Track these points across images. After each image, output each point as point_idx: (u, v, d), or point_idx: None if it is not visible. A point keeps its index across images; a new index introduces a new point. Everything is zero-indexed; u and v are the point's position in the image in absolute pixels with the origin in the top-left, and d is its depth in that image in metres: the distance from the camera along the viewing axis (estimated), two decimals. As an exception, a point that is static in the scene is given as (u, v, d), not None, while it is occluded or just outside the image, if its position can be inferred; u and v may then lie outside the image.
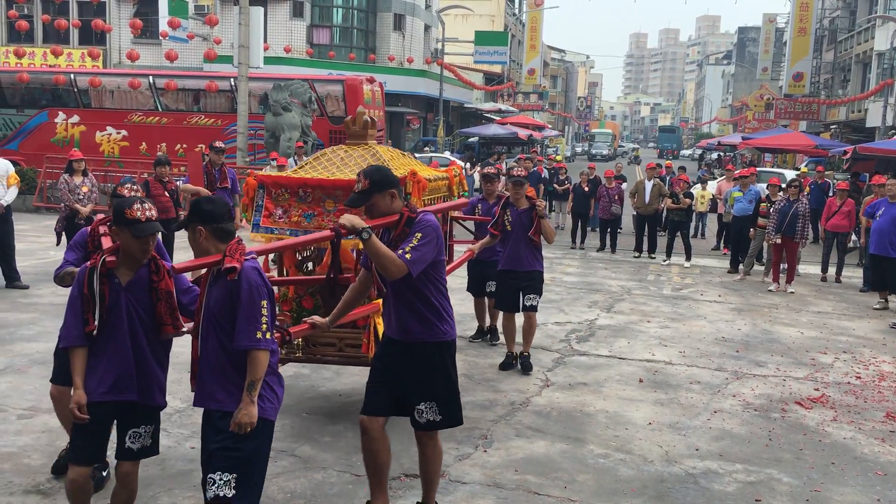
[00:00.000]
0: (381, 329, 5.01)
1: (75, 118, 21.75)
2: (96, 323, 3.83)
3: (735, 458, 5.75)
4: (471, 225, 8.33)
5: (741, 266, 14.04)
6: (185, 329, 4.02)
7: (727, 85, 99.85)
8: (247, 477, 3.70)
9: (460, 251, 7.71)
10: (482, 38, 46.02)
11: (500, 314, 8.04)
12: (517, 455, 5.63)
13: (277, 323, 4.19)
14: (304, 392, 6.73)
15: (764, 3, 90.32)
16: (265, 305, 3.67)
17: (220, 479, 3.65)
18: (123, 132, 21.56)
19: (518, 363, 7.69)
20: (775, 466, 5.63)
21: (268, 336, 3.67)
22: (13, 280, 10.27)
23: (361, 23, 37.50)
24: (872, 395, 7.38)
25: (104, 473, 4.81)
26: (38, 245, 13.61)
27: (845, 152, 22.48)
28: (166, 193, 11.25)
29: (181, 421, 5.97)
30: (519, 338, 7.84)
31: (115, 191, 4.73)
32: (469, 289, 8.70)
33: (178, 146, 20.52)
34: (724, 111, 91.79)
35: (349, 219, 4.04)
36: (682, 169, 20.66)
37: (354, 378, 7.08)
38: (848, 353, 8.98)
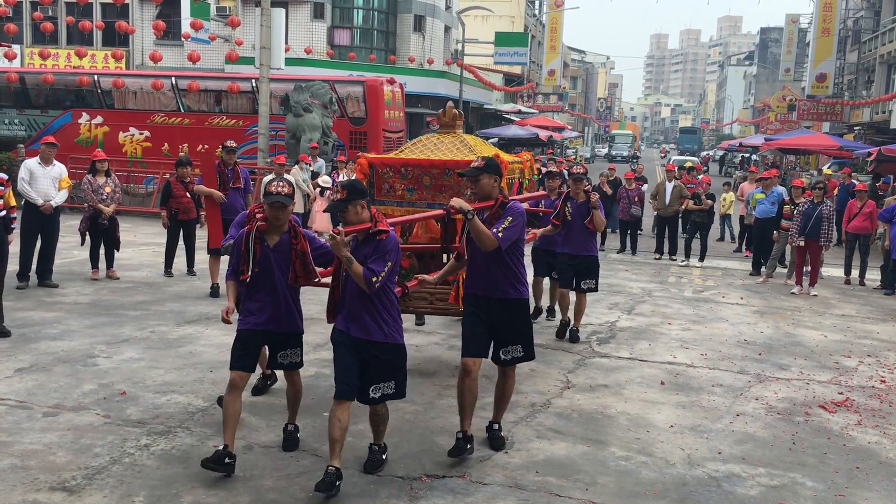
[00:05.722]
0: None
1: (99, 119, 21.94)
2: (249, 273, 5.18)
3: (758, 461, 5.71)
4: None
5: (763, 268, 13.93)
6: (317, 280, 5.32)
7: (749, 86, 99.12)
8: (401, 382, 5.13)
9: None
10: (502, 39, 45.94)
11: (558, 293, 9.25)
12: (538, 457, 5.62)
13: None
14: (325, 392, 6.74)
15: (787, 3, 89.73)
16: (391, 264, 4.86)
17: (385, 385, 5.03)
18: (146, 133, 21.72)
19: (568, 335, 8.89)
20: (799, 471, 5.58)
21: (376, 284, 4.78)
22: (44, 278, 10.41)
23: (382, 24, 37.57)
24: (897, 400, 7.30)
25: (269, 383, 6.55)
26: (62, 244, 13.70)
27: (869, 154, 22.27)
28: (188, 194, 11.34)
29: (203, 420, 6.01)
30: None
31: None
32: (534, 272, 9.62)
33: (200, 147, 20.61)
34: (746, 112, 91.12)
35: (458, 202, 5.20)
36: (706, 170, 20.56)
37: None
38: (872, 356, 8.88)
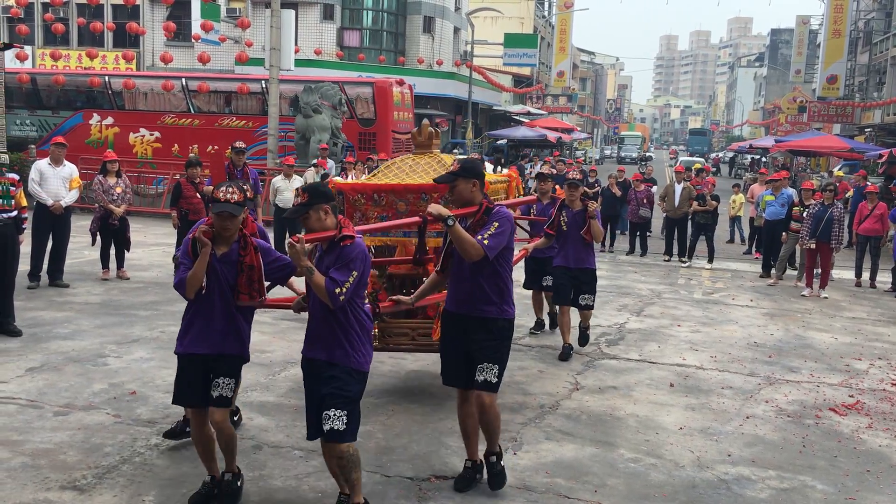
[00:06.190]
0: None
1: (109, 120, 22.07)
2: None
3: (768, 464, 5.69)
4: (524, 224, 8.71)
5: (773, 270, 13.89)
6: (262, 299, 4.64)
7: (759, 87, 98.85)
8: (353, 414, 4.33)
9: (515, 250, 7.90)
10: (511, 40, 45.94)
11: (559, 311, 8.43)
12: (547, 458, 5.61)
13: (368, 292, 4.88)
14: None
15: (797, 4, 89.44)
16: (356, 273, 4.22)
17: (335, 415, 4.25)
18: (156, 134, 21.84)
19: (578, 335, 8.40)
20: (809, 473, 5.56)
21: (340, 297, 4.16)
22: (55, 278, 10.46)
23: (391, 25, 37.65)
24: (909, 403, 7.26)
25: (235, 418, 5.65)
26: (73, 244, 13.75)
27: (881, 156, 22.18)
28: (198, 195, 11.38)
29: (213, 420, 6.02)
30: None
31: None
32: (526, 285, 9.14)
33: (210, 148, 20.72)
34: (756, 114, 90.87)
35: (436, 208, 4.63)
36: (716, 172, 20.53)
37: (383, 380, 7.11)
38: (883, 359, 8.84)
